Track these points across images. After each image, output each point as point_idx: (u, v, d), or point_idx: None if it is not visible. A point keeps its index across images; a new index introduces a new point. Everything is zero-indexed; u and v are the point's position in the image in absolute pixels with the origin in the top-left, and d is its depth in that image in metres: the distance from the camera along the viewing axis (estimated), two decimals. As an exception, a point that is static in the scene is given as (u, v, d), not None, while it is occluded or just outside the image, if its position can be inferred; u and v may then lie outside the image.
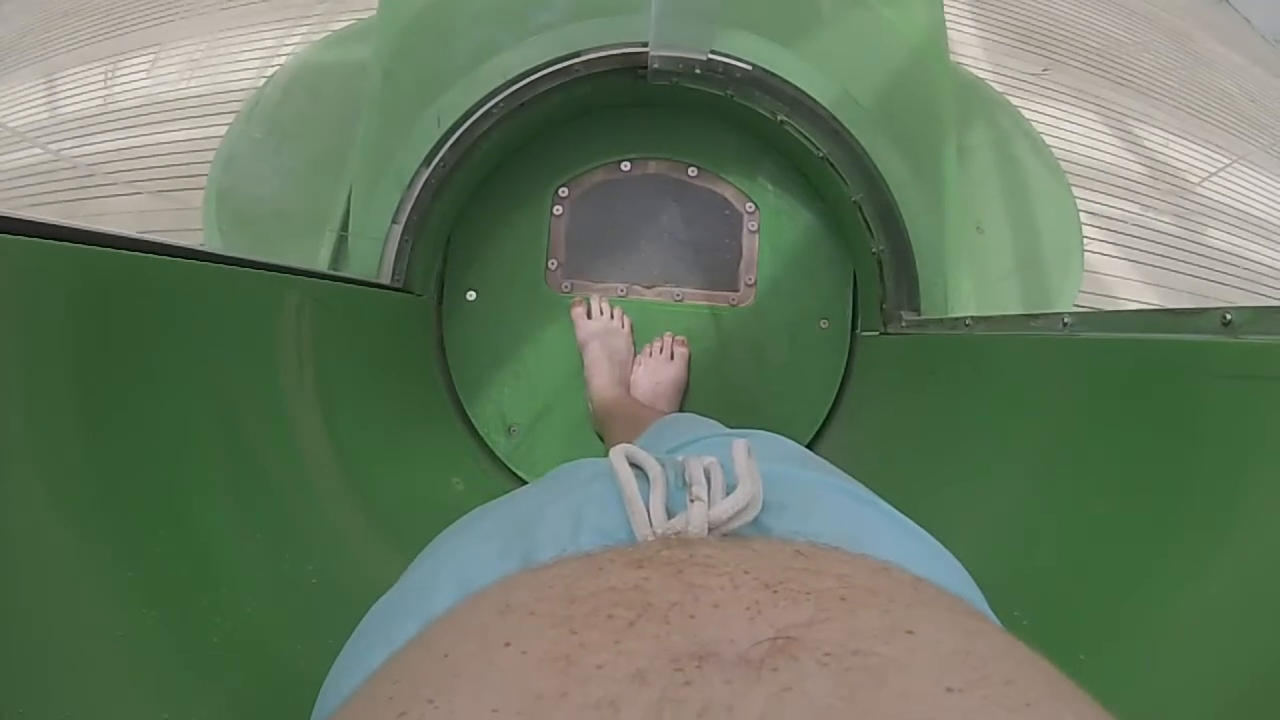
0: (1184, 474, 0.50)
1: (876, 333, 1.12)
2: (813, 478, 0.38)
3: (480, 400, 1.27)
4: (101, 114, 2.41)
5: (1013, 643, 0.20)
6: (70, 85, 2.49)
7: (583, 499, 0.32)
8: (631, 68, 1.05)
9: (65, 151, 2.33)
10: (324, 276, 0.82)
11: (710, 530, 0.27)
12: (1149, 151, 2.38)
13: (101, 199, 2.24)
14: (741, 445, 0.31)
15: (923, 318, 1.04)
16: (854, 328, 1.31)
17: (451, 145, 1.04)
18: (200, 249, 0.56)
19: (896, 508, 0.37)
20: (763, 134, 1.19)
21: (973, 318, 0.82)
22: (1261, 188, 2.54)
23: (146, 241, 0.50)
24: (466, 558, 0.31)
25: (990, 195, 1.34)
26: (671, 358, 1.24)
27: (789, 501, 0.32)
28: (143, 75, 2.44)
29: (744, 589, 0.20)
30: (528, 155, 1.25)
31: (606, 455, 0.34)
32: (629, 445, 0.33)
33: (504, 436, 1.27)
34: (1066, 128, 2.32)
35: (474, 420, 1.27)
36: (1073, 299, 1.33)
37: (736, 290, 1.31)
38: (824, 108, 1.04)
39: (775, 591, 0.20)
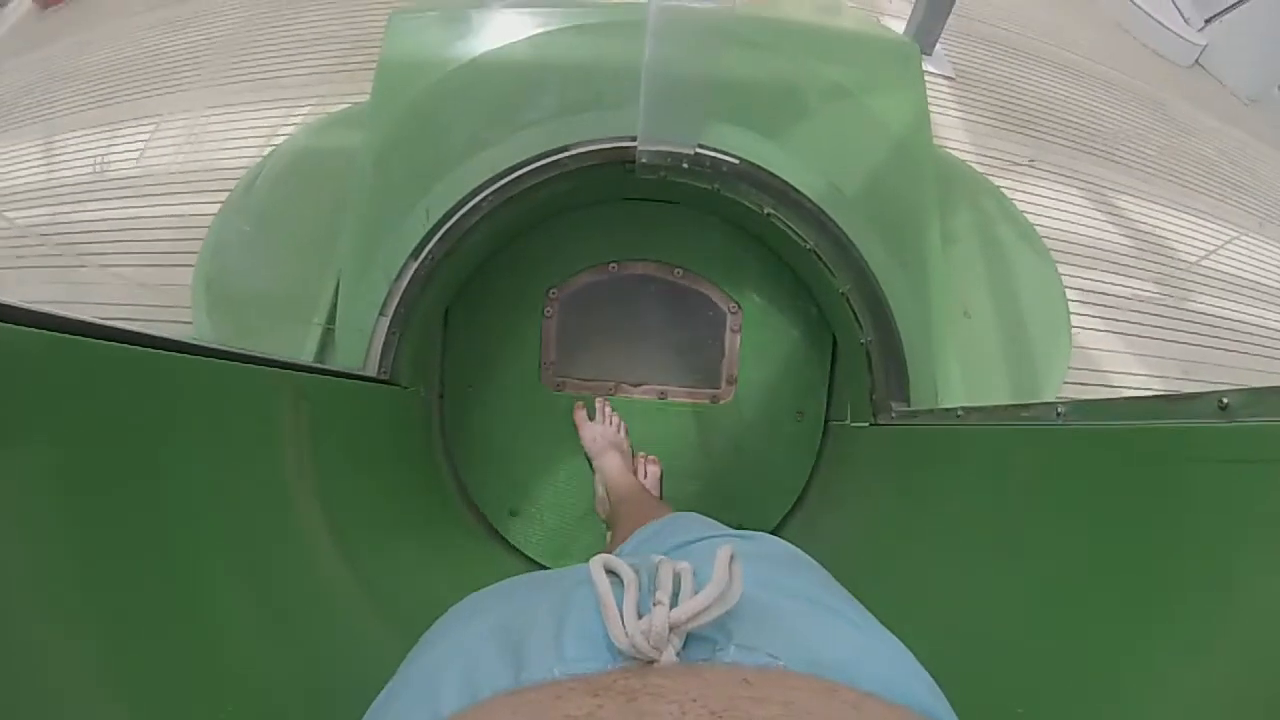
0: (1180, 560, 0.49)
1: (866, 424, 1.11)
2: (783, 588, 0.40)
3: (484, 487, 1.36)
4: (95, 183, 2.41)
5: None
6: (66, 151, 2.50)
7: (568, 607, 0.35)
8: (620, 161, 1.06)
9: (60, 217, 2.34)
10: (307, 369, 0.81)
11: (672, 629, 0.29)
12: (1133, 224, 2.42)
13: (91, 269, 2.23)
14: (725, 551, 0.32)
15: (913, 408, 1.03)
16: (828, 417, 1.37)
17: (440, 238, 1.04)
18: (173, 339, 0.55)
19: (881, 596, 0.38)
20: (749, 228, 1.21)
21: (964, 408, 0.81)
22: (1245, 249, 2.57)
23: (121, 331, 0.49)
24: (472, 659, 0.33)
25: (976, 279, 1.35)
26: (644, 476, 1.35)
27: (753, 614, 0.34)
28: (139, 146, 2.46)
29: (691, 715, 0.22)
30: (518, 254, 1.31)
31: (609, 533, 0.39)
32: (607, 555, 0.35)
33: (507, 518, 1.36)
34: (1050, 205, 2.36)
35: (479, 504, 1.35)
36: (1061, 378, 1.33)
37: (718, 387, 1.38)
38: (810, 200, 1.05)
39: (720, 718, 0.21)
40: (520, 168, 1.04)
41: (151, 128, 2.48)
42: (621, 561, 0.34)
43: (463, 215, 1.04)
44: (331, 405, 0.87)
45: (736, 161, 1.05)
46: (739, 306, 1.36)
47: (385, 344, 1.03)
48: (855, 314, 1.08)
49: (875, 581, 0.83)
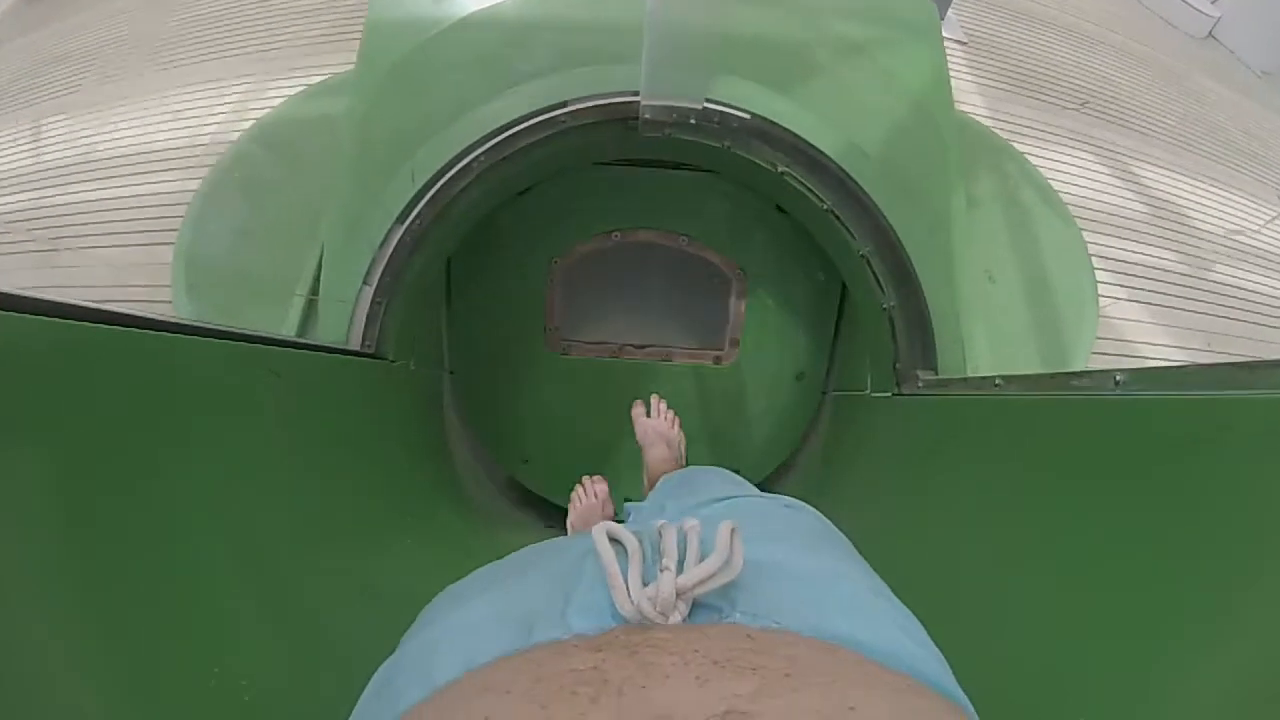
0: (1265, 546, 0.43)
1: (889, 394, 1.04)
2: (797, 558, 0.39)
3: (494, 440, 1.46)
4: (80, 163, 2.36)
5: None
6: (52, 133, 2.45)
7: (572, 580, 0.34)
8: (622, 118, 0.98)
9: (45, 199, 2.28)
10: (280, 343, 0.74)
11: (679, 596, 0.29)
12: (1150, 191, 2.34)
13: (74, 251, 2.18)
14: (727, 526, 0.33)
15: (943, 377, 0.96)
16: (828, 386, 1.44)
17: (428, 201, 0.96)
18: (118, 313, 0.49)
19: (903, 573, 0.39)
20: (760, 189, 1.13)
21: (1003, 377, 0.73)
22: (1260, 219, 2.50)
23: (60, 305, 0.44)
24: (473, 636, 0.32)
25: (1000, 243, 1.28)
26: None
27: (759, 583, 0.34)
28: (127, 126, 2.40)
29: (694, 665, 0.22)
30: (518, 223, 1.29)
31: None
32: (610, 523, 0.35)
33: (521, 464, 1.48)
34: (1068, 171, 2.28)
35: (490, 452, 1.47)
36: (1090, 345, 1.26)
37: (721, 349, 1.42)
38: (829, 158, 0.97)
39: (723, 667, 0.22)
40: (513, 126, 0.96)
41: (140, 107, 2.43)
42: (625, 530, 0.34)
43: (452, 177, 0.96)
44: (308, 382, 0.80)
45: (748, 117, 0.97)
46: (744, 273, 1.36)
47: (370, 315, 0.96)
48: (877, 278, 1.00)
49: (896, 559, 0.77)
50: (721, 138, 0.99)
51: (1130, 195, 2.27)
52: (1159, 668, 0.46)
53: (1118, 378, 0.56)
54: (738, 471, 0.65)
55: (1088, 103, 2.43)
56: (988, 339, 1.06)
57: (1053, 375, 0.66)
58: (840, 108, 1.01)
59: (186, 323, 0.57)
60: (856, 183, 0.97)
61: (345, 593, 0.73)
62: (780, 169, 0.99)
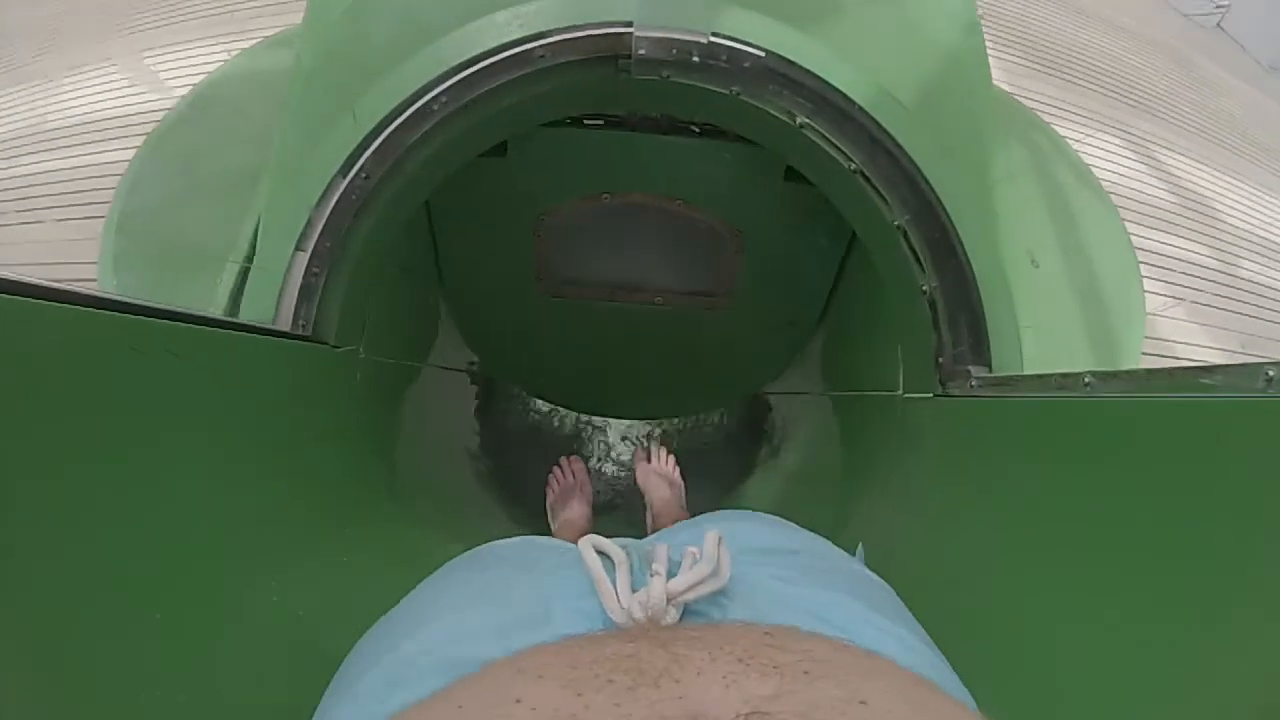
0: None
1: (930, 394, 0.87)
2: (790, 590, 0.37)
3: (497, 364, 1.58)
4: (22, 136, 2.21)
5: (961, 713, 0.23)
6: (9, 104, 2.29)
7: (553, 588, 0.34)
8: (611, 56, 0.81)
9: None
10: (181, 317, 0.57)
11: (669, 600, 0.30)
12: (1175, 178, 2.20)
13: (10, 227, 2.02)
14: (714, 534, 0.34)
15: (1002, 375, 0.79)
16: (819, 325, 1.47)
17: (376, 151, 0.79)
18: None
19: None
20: (773, 146, 0.97)
21: (1094, 374, 0.57)
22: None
23: None
24: (458, 643, 0.31)
25: (1039, 222, 1.13)
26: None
27: (749, 595, 0.34)
28: (84, 93, 2.23)
29: (720, 662, 0.23)
30: (497, 184, 1.20)
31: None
32: (596, 536, 0.35)
33: (521, 381, 1.62)
34: (1087, 152, 2.15)
35: (493, 375, 1.60)
36: (1141, 339, 1.12)
37: (714, 296, 1.41)
38: (860, 108, 0.81)
39: (747, 665, 0.23)
40: (479, 61, 0.79)
41: (99, 73, 2.27)
42: (609, 542, 0.34)
43: (405, 122, 0.79)
44: (218, 369, 0.63)
45: (761, 54, 0.80)
46: (741, 234, 1.29)
47: (305, 287, 0.79)
48: (915, 253, 0.84)
49: (948, 599, 0.61)
50: (729, 82, 0.82)
51: (1153, 181, 2.14)
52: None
53: (1270, 373, 0.40)
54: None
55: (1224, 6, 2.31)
56: (1035, 332, 0.90)
57: (1170, 371, 0.49)
58: (870, 50, 0.85)
59: (36, 283, 0.42)
60: (893, 138, 0.81)
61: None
62: (799, 120, 0.83)
